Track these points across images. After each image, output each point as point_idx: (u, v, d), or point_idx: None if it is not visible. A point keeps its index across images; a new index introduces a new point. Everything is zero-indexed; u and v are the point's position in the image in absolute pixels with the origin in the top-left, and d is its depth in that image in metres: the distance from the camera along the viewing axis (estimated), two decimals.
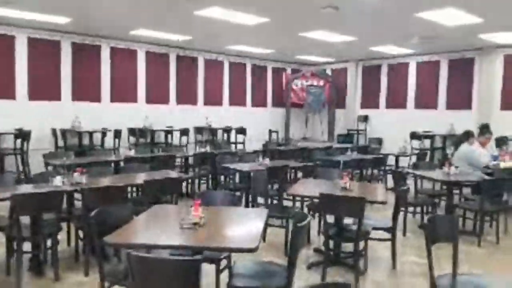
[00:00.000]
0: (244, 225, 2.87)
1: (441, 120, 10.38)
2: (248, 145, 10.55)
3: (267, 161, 5.92)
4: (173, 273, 2.07)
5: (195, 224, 2.74)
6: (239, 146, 10.61)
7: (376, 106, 12.05)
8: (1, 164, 7.29)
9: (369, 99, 12.20)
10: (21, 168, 7.70)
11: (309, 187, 4.43)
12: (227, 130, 10.97)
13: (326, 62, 12.73)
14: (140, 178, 4.62)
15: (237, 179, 6.73)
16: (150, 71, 10.12)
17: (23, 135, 7.61)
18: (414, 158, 9.64)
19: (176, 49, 10.41)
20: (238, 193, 5.99)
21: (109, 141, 8.86)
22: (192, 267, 2.01)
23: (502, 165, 6.17)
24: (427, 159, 9.35)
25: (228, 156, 6.84)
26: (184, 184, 6.72)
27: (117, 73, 9.57)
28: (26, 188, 4.01)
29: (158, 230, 2.81)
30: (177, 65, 10.60)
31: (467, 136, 6.29)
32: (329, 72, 13.08)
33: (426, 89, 11.01)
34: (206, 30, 8.23)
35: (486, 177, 5.32)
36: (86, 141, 8.52)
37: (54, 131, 8.38)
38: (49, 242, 3.87)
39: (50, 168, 5.86)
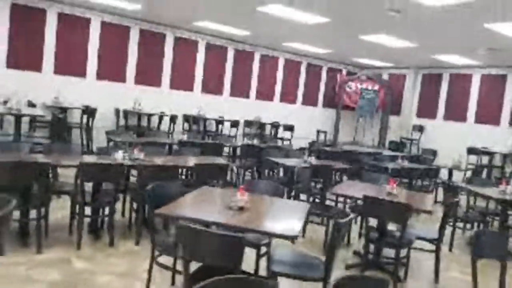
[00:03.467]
0: (286, 214, 2.98)
1: (503, 137, 9.87)
2: (294, 142, 10.62)
3: (312, 159, 5.98)
4: (218, 246, 2.23)
5: (240, 207, 2.90)
6: (286, 143, 10.70)
7: (433, 116, 11.65)
8: (69, 136, 7.91)
9: (426, 109, 11.82)
10: (85, 141, 8.30)
11: (354, 189, 4.44)
12: (276, 126, 11.11)
13: (384, 66, 12.48)
14: (191, 161, 4.88)
15: (281, 174, 6.87)
16: (208, 62, 10.47)
17: (89, 111, 8.20)
18: (468, 174, 9.30)
19: (234, 43, 10.68)
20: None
21: (164, 124, 9.32)
22: (236, 242, 2.17)
23: None
24: (484, 175, 8.94)
25: (274, 151, 6.96)
26: (229, 173, 6.93)
27: (178, 61, 10.00)
28: (91, 159, 4.38)
29: (205, 208, 3.01)
30: (234, 58, 10.87)
31: None
32: (385, 77, 12.81)
33: (489, 103, 10.50)
34: (266, 26, 8.38)
35: None
36: (144, 122, 9.02)
37: (117, 111, 8.94)
38: (106, 210, 4.21)
39: (111, 144, 6.25)
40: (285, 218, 2.91)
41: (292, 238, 2.48)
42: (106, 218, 4.31)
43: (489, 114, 10.46)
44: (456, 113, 11.15)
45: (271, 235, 2.57)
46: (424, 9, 5.82)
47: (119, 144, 5.65)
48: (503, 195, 5.09)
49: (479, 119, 10.69)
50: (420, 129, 11.84)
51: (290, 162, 5.84)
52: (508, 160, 9.61)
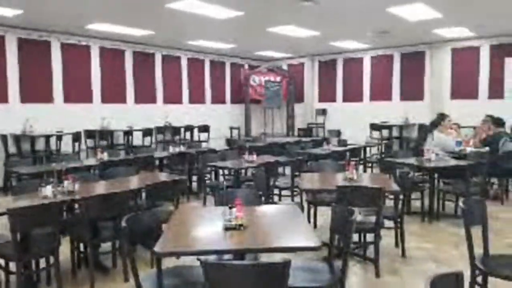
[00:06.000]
0: (289, 224, 2.72)
1: (396, 111, 10.93)
2: (211, 143, 10.33)
3: (254, 157, 5.77)
4: (258, 279, 1.87)
5: (239, 225, 2.57)
6: (204, 144, 10.30)
7: (333, 99, 12.34)
8: None
9: (326, 93, 12.48)
10: None
11: (315, 181, 4.37)
12: (190, 129, 10.62)
13: (282, 57, 12.78)
14: (133, 182, 4.27)
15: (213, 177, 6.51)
16: (105, 69, 9.45)
17: None
18: (374, 149, 10.14)
19: (132, 45, 9.82)
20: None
21: (65, 145, 8.15)
22: (281, 270, 1.84)
23: (469, 150, 6.62)
24: (396, 148, 9.90)
25: (209, 155, 6.58)
26: None
27: (69, 71, 8.80)
28: (14, 202, 3.48)
29: (202, 233, 2.59)
30: (134, 62, 10.01)
31: (440, 119, 6.71)
32: (285, 67, 13.16)
33: (380, 82, 11.48)
34: (173, 25, 7.84)
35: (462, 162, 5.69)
36: (40, 146, 7.75)
37: (4, 137, 7.51)
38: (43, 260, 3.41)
39: (13, 177, 5.20)
40: (291, 228, 2.64)
41: (316, 249, 2.25)
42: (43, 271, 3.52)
43: (381, 92, 11.45)
44: (353, 94, 11.98)
45: (293, 250, 2.29)
46: None
47: (28, 176, 4.69)
48: (431, 163, 5.63)
49: (374, 97, 11.65)
50: (323, 112, 12.46)
51: (234, 164, 5.53)
52: (404, 131, 10.71)
